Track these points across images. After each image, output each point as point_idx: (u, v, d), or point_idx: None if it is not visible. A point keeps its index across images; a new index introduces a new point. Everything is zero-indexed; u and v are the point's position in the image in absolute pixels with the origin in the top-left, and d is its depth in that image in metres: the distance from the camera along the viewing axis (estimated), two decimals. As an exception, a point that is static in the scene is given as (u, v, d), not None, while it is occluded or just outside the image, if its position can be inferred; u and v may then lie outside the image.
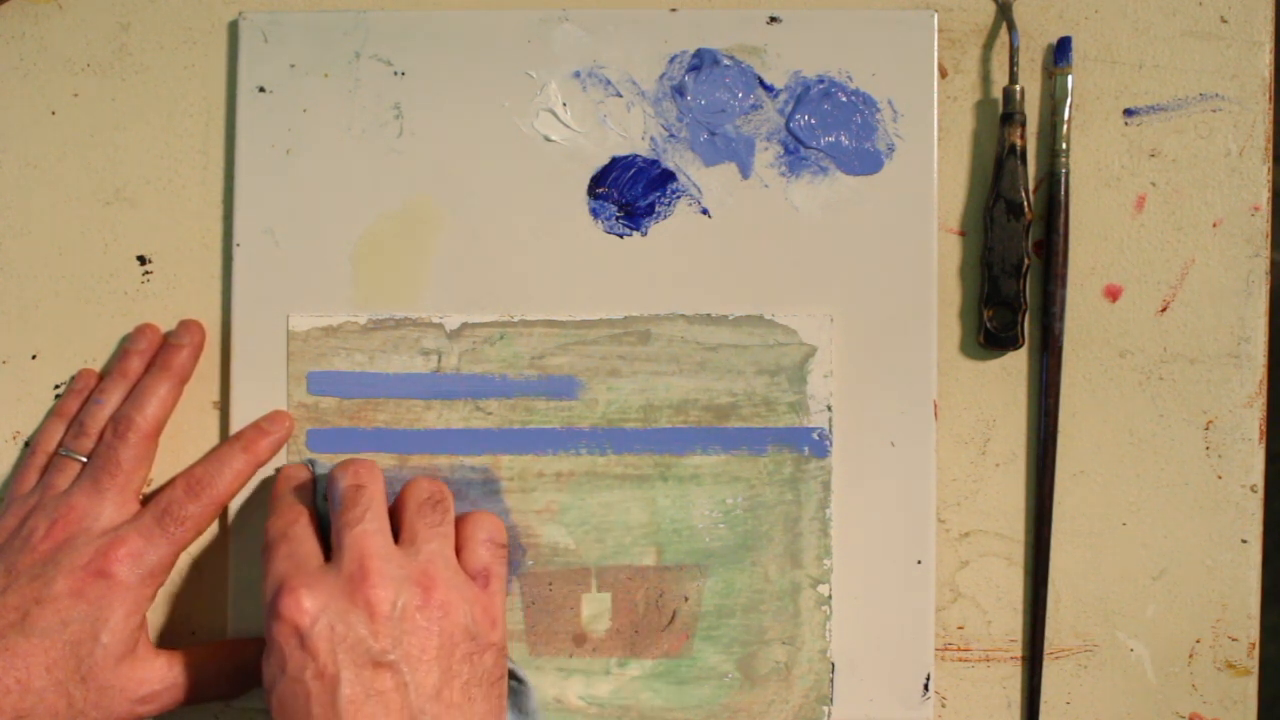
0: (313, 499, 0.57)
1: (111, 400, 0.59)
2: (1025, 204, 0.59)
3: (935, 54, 0.60)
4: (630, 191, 0.60)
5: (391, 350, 0.60)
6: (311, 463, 0.59)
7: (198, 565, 0.60)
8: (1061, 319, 0.60)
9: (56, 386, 0.61)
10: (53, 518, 0.56)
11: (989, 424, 0.60)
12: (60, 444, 0.59)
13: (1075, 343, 0.60)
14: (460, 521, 0.57)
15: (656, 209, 0.60)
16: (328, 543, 0.55)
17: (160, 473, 0.60)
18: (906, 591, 0.59)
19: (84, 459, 0.58)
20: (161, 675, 0.56)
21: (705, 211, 0.60)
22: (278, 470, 0.59)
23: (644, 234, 0.60)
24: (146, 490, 0.60)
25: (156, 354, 0.60)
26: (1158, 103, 0.60)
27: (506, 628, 0.57)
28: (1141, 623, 0.60)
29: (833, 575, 0.60)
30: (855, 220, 0.60)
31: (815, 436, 0.60)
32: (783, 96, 0.60)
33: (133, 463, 0.57)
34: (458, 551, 0.56)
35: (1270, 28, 0.60)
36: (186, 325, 0.60)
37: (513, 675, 0.58)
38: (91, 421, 0.59)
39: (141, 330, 0.60)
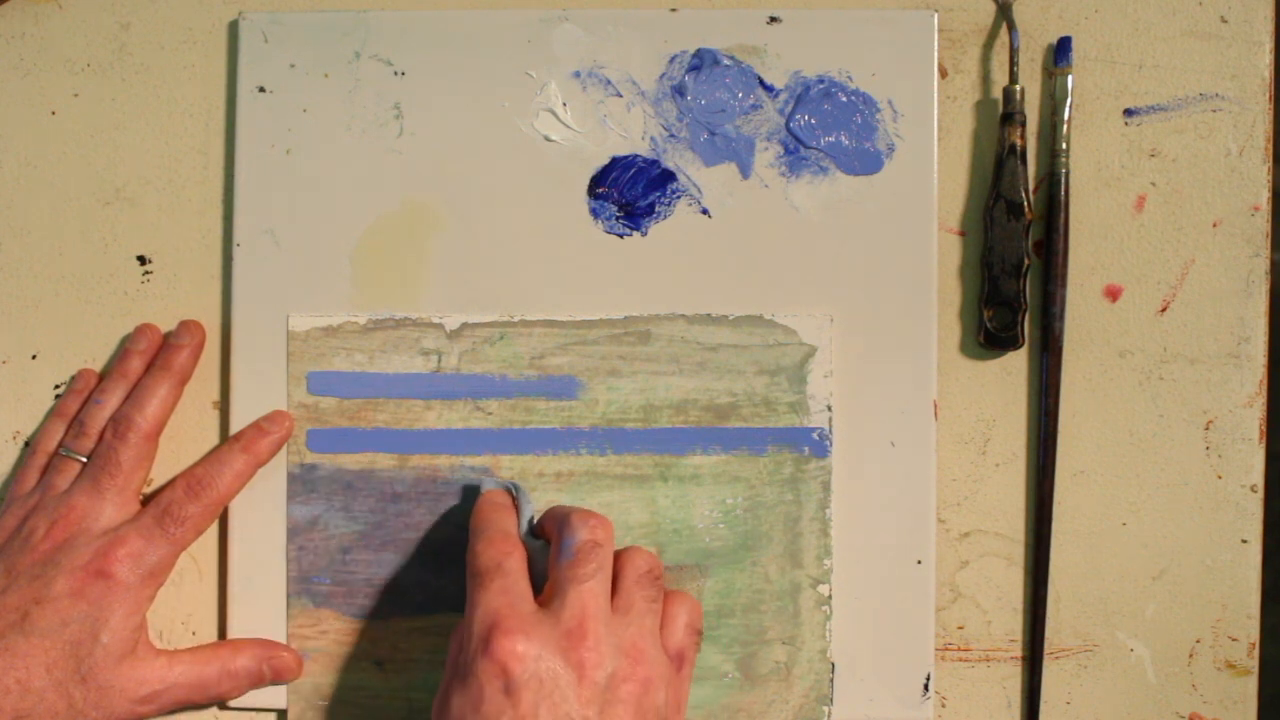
0: (519, 531, 0.56)
1: (111, 400, 0.59)
2: (1025, 204, 0.59)
3: (935, 54, 0.60)
4: (630, 191, 0.60)
5: (391, 350, 0.60)
6: (514, 487, 0.58)
7: (198, 565, 0.60)
8: (1061, 319, 0.60)
9: (56, 386, 0.61)
10: (53, 518, 0.56)
11: (989, 424, 0.60)
12: (60, 444, 0.59)
13: (1075, 343, 0.60)
14: (665, 598, 0.55)
15: (656, 209, 0.60)
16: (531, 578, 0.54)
17: (160, 473, 0.60)
18: (906, 591, 0.59)
19: (84, 459, 0.58)
20: (161, 675, 0.57)
21: (705, 211, 0.60)
22: (481, 492, 0.58)
23: (644, 234, 0.60)
24: (146, 490, 0.60)
25: (157, 354, 0.60)
26: (1158, 103, 0.60)
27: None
28: (1141, 623, 0.60)
29: (833, 575, 0.60)
30: (855, 220, 0.60)
31: (815, 436, 0.60)
32: (783, 96, 0.60)
33: (133, 463, 0.57)
34: (660, 628, 0.54)
35: (1270, 28, 0.60)
36: (187, 325, 0.60)
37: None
38: (91, 421, 0.59)
39: (142, 330, 0.60)
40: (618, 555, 0.55)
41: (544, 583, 0.54)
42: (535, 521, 0.56)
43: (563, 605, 0.51)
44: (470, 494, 0.60)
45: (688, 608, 0.55)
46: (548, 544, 0.55)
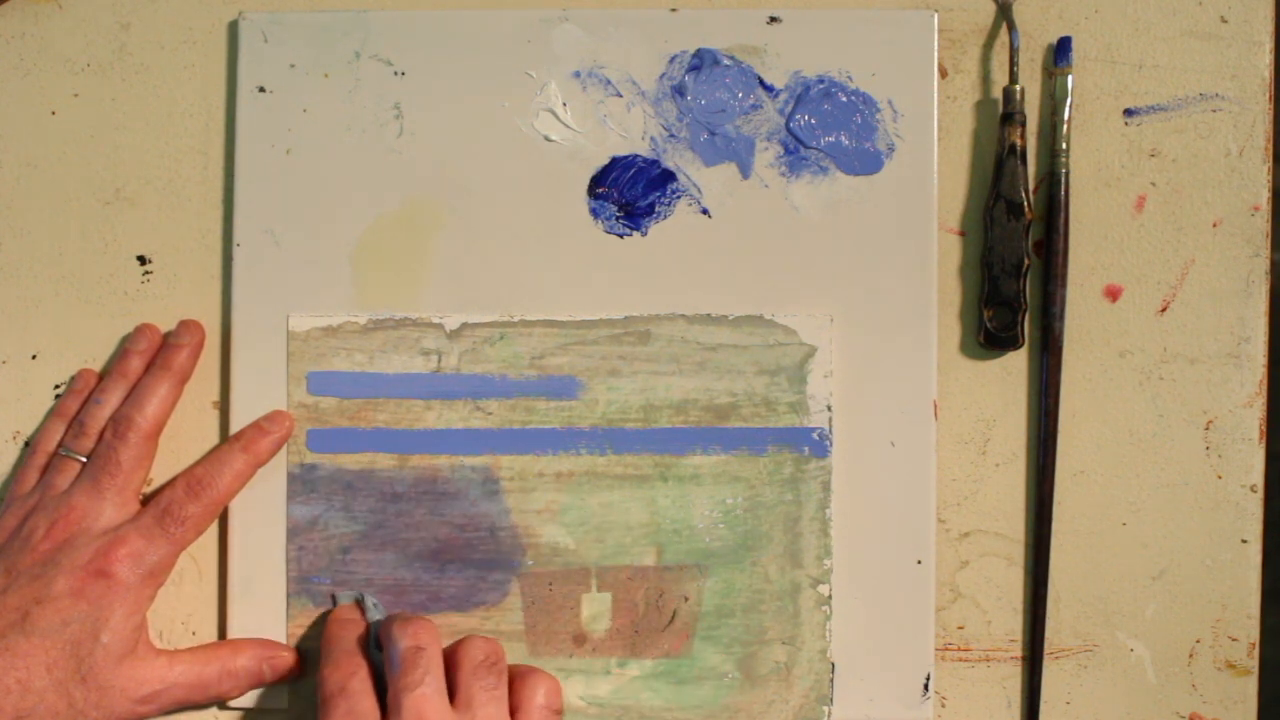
0: (366, 646, 0.57)
1: (111, 400, 0.59)
2: (1025, 204, 0.59)
3: (935, 54, 0.60)
4: (630, 191, 0.60)
5: (391, 350, 0.60)
6: (361, 599, 0.59)
7: (198, 565, 0.60)
8: (1061, 319, 0.60)
9: (56, 386, 0.61)
10: (53, 518, 0.56)
11: (989, 424, 0.60)
12: (60, 444, 0.59)
13: (1075, 343, 0.60)
14: (516, 681, 0.56)
15: (656, 209, 0.60)
16: (381, 691, 0.55)
17: (160, 473, 0.60)
18: (906, 591, 0.59)
19: (84, 459, 0.58)
20: (162, 675, 0.57)
21: (705, 211, 0.60)
22: (329, 612, 0.59)
23: (644, 234, 0.60)
24: (146, 490, 0.60)
25: (156, 354, 0.60)
26: (1158, 103, 0.60)
27: None
28: (1141, 623, 0.60)
29: (833, 575, 0.60)
30: (855, 220, 0.60)
31: (815, 436, 0.60)
32: (783, 96, 0.60)
33: (132, 463, 0.57)
34: (513, 712, 0.55)
35: (1270, 28, 0.60)
36: (186, 325, 0.60)
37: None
38: (91, 421, 0.59)
39: (141, 330, 0.60)
40: (454, 649, 0.56)
41: None
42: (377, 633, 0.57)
43: (399, 716, 0.52)
44: (470, 493, 0.60)
45: (544, 688, 0.56)
46: None
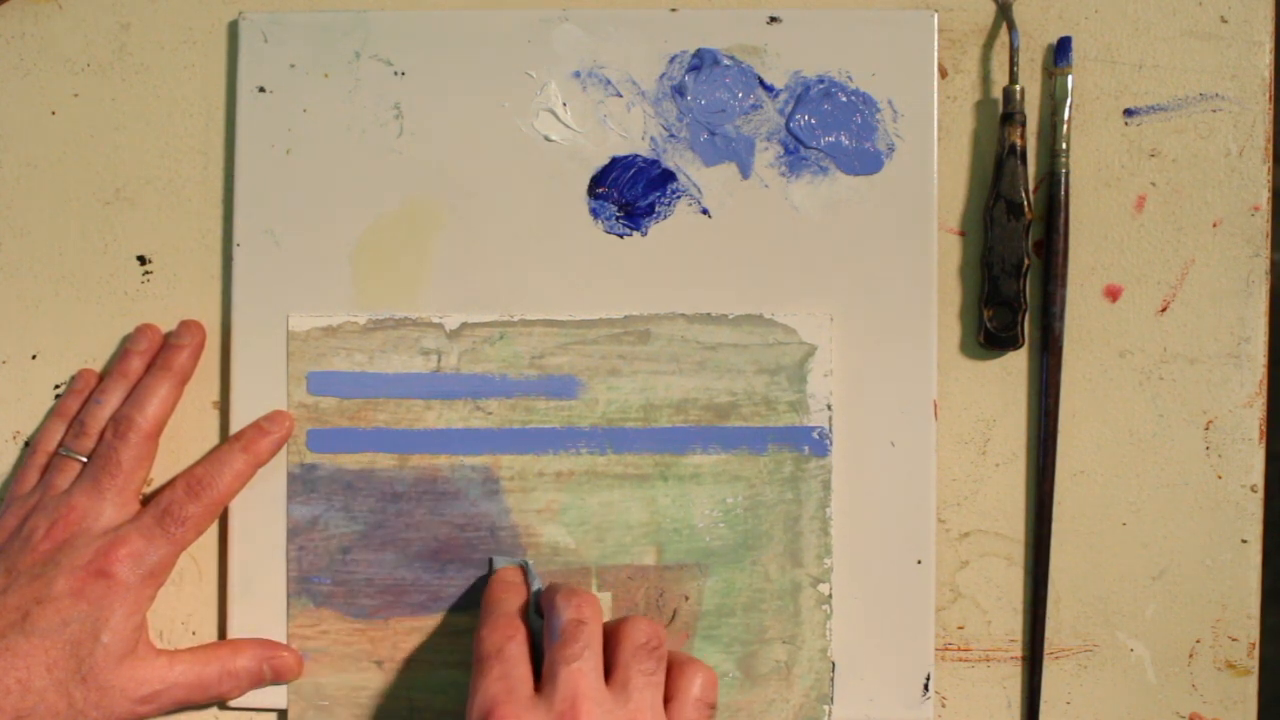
0: (526, 610, 0.56)
1: (112, 400, 0.59)
2: (1025, 204, 0.59)
3: (935, 54, 0.60)
4: (630, 191, 0.60)
5: (391, 350, 0.60)
6: (526, 564, 0.58)
7: (198, 565, 0.60)
8: (1061, 319, 0.60)
9: (56, 386, 0.61)
10: (53, 518, 0.56)
11: (989, 424, 0.60)
12: (60, 444, 0.59)
13: (1075, 343, 0.60)
14: (674, 669, 0.55)
15: (656, 209, 0.60)
16: (536, 659, 0.54)
17: (160, 473, 0.60)
18: (906, 591, 0.59)
19: (84, 459, 0.58)
20: (162, 675, 0.57)
21: (705, 211, 0.60)
22: (492, 572, 0.59)
23: (644, 234, 0.60)
24: (147, 490, 0.60)
25: (157, 354, 0.60)
26: (1158, 103, 0.60)
27: None
28: (1141, 623, 0.60)
29: (833, 575, 0.60)
30: (855, 220, 0.60)
31: (815, 436, 0.60)
32: (783, 96, 0.60)
33: (133, 463, 0.57)
34: (667, 702, 0.54)
35: (1270, 28, 0.60)
36: (187, 325, 0.60)
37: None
38: (92, 421, 0.59)
39: (142, 330, 0.60)
40: (616, 627, 0.54)
41: None
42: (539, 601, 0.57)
43: (554, 689, 0.51)
44: (470, 493, 0.60)
45: (701, 680, 0.54)
46: None
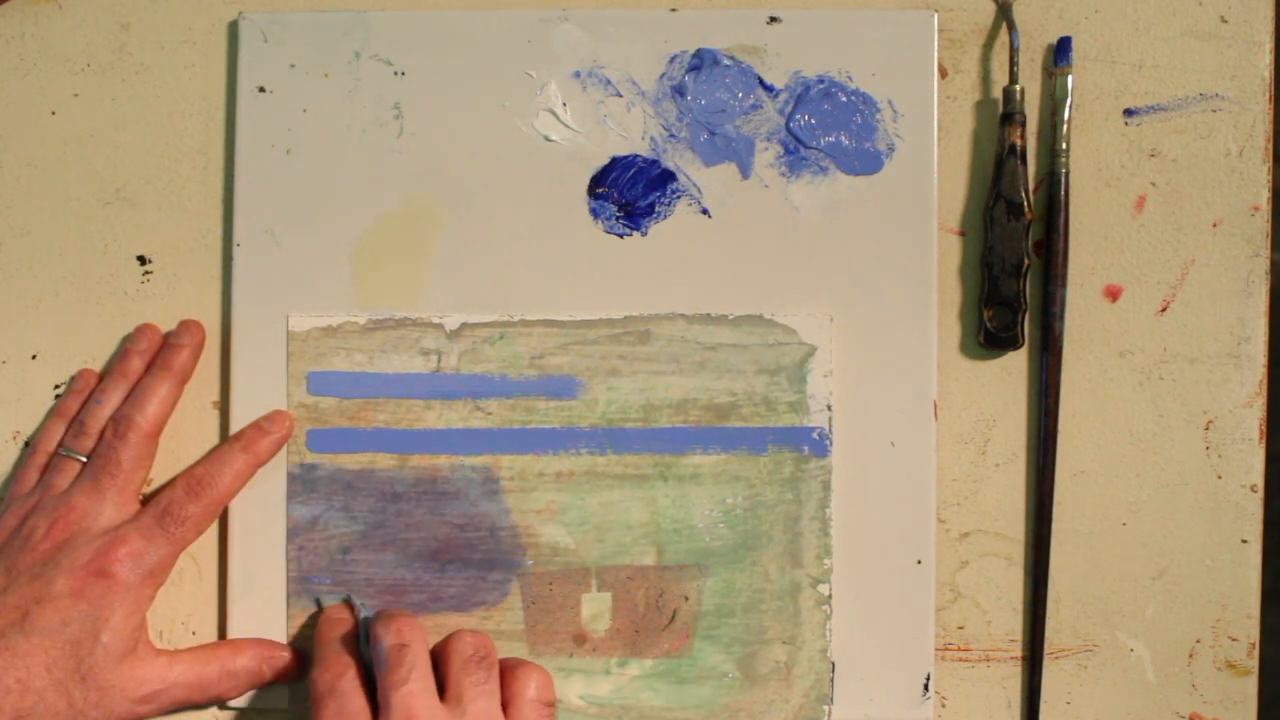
0: (357, 645, 0.57)
1: (112, 400, 0.59)
2: (1025, 204, 0.59)
3: (935, 54, 0.60)
4: (630, 191, 0.60)
5: (391, 350, 0.60)
6: (350, 599, 0.59)
7: (198, 565, 0.60)
8: (1061, 319, 0.60)
9: (56, 386, 0.61)
10: (53, 517, 0.56)
11: (989, 424, 0.60)
12: (60, 443, 0.59)
13: (1075, 343, 0.60)
14: (507, 675, 0.56)
15: (656, 209, 0.60)
16: (372, 690, 0.55)
17: (160, 473, 0.60)
18: (906, 591, 0.59)
19: (84, 459, 0.58)
20: (161, 675, 0.57)
21: (705, 211, 0.60)
22: (319, 611, 0.59)
23: (644, 234, 0.60)
24: (147, 490, 0.60)
25: (157, 354, 0.60)
26: (1158, 103, 0.60)
27: None
28: (1141, 623, 0.60)
29: (833, 575, 0.60)
30: (855, 220, 0.60)
31: (815, 436, 0.60)
32: (783, 96, 0.60)
33: (133, 463, 0.57)
34: (505, 706, 0.55)
35: (1270, 28, 0.60)
36: (187, 325, 0.60)
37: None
38: (92, 421, 0.59)
39: (142, 330, 0.60)
40: (443, 645, 0.56)
41: None
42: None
43: (389, 714, 0.52)
44: (470, 493, 0.59)
45: (535, 681, 0.55)
46: None
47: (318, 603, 0.59)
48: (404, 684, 0.53)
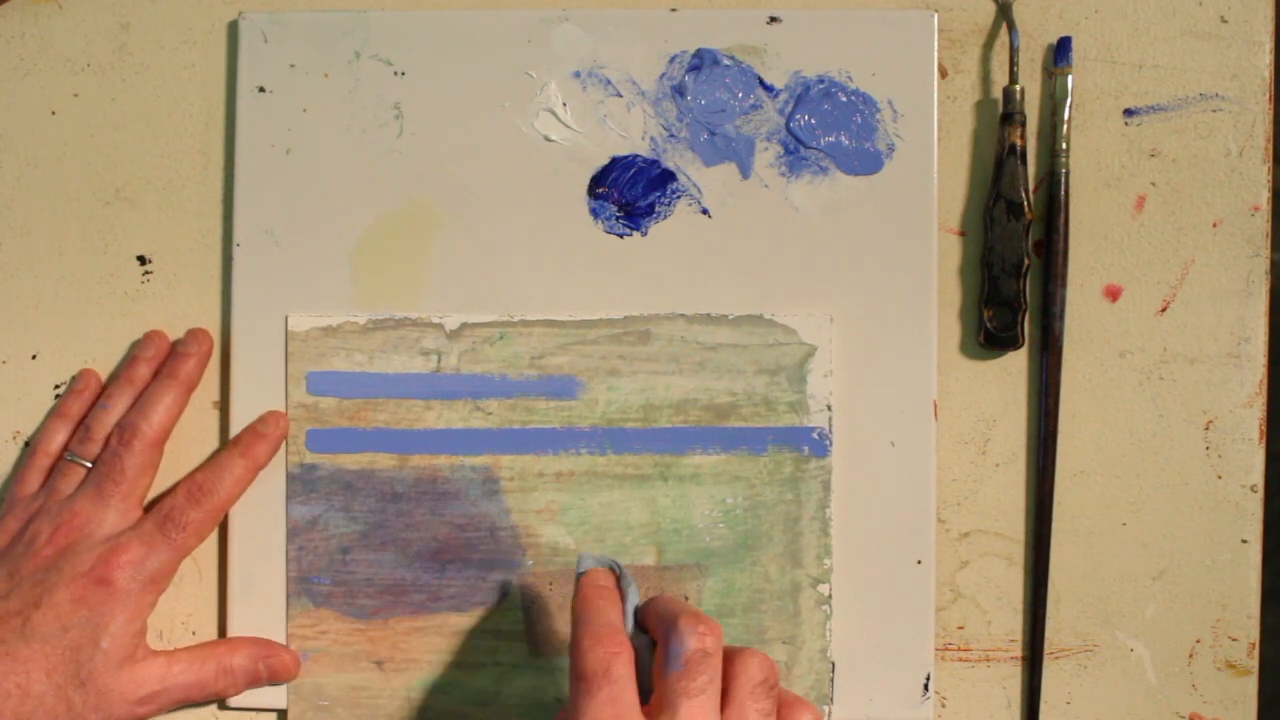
0: (624, 621, 0.52)
1: (118, 406, 0.59)
2: (1025, 204, 0.59)
3: (935, 54, 0.60)
4: (630, 191, 0.60)
5: (391, 350, 0.60)
6: (617, 566, 0.54)
7: (198, 565, 0.60)
8: (1061, 319, 0.60)
9: (56, 386, 0.61)
10: (55, 523, 0.56)
11: (989, 424, 0.60)
12: (66, 448, 0.59)
13: (1075, 343, 0.60)
14: (783, 708, 0.51)
15: (656, 209, 0.60)
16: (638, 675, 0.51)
17: (160, 472, 0.60)
18: (906, 591, 0.59)
19: (89, 464, 0.58)
20: (160, 676, 0.57)
21: (705, 211, 0.60)
22: (582, 573, 0.54)
23: (644, 234, 0.60)
24: (151, 496, 0.60)
25: (164, 362, 0.60)
26: (1158, 103, 0.60)
27: None
28: (1141, 623, 0.60)
29: (833, 575, 0.60)
30: (855, 220, 0.60)
31: (815, 436, 0.60)
32: (783, 96, 0.60)
33: (136, 470, 0.57)
34: None
35: (1270, 28, 0.60)
36: (194, 334, 0.60)
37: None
38: (98, 427, 0.59)
39: (150, 338, 0.60)
40: (730, 659, 0.51)
41: (648, 681, 0.51)
42: (639, 611, 0.53)
43: (674, 718, 0.49)
44: (470, 493, 0.59)
45: (809, 716, 0.51)
46: (653, 641, 0.52)
47: (579, 561, 0.54)
48: (699, 694, 0.49)
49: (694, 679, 0.49)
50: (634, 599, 0.53)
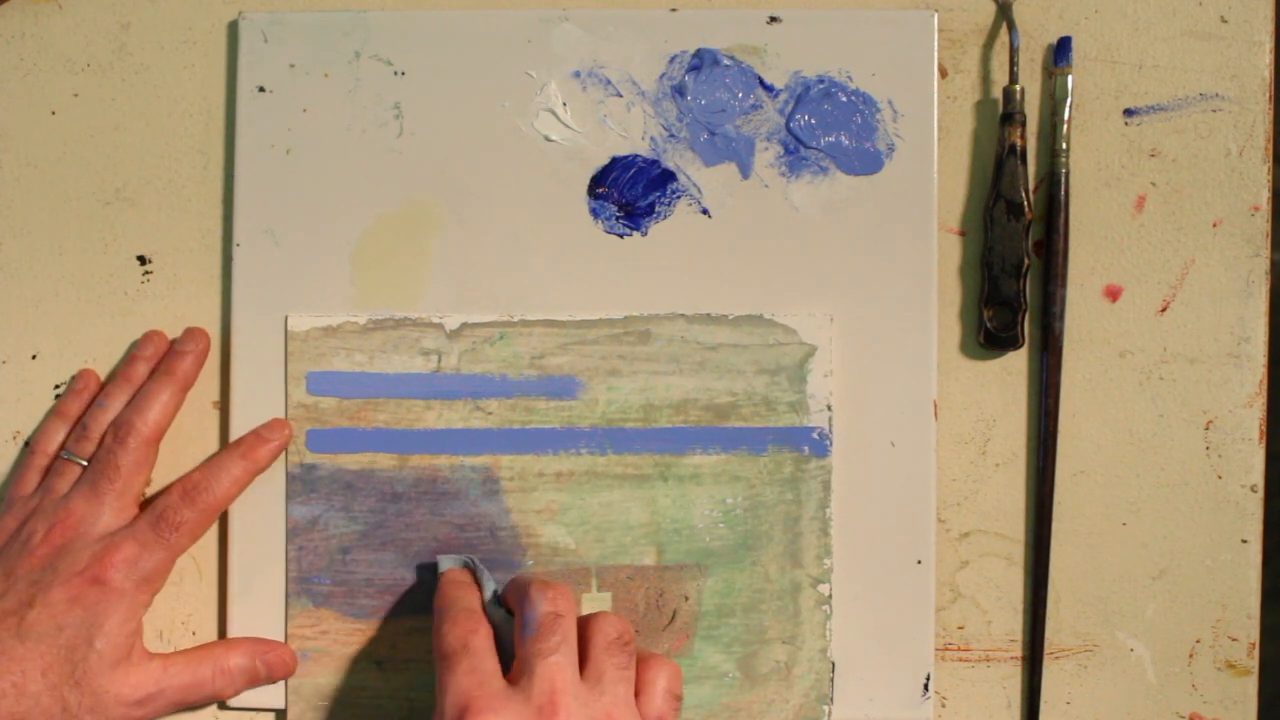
0: (484, 607, 0.56)
1: (114, 405, 0.59)
2: (1025, 204, 0.59)
3: (935, 54, 0.60)
4: (630, 191, 0.60)
5: (391, 350, 0.60)
6: (472, 563, 0.58)
7: (198, 565, 0.60)
8: (1061, 319, 0.60)
9: (56, 386, 0.61)
10: (51, 522, 0.56)
11: (989, 424, 0.60)
12: (62, 447, 0.59)
13: (1075, 343, 0.60)
14: (640, 663, 0.55)
15: (656, 209, 0.60)
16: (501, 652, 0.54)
17: (160, 472, 0.60)
18: (906, 591, 0.59)
19: (84, 463, 0.58)
20: (156, 679, 0.56)
21: (705, 211, 0.60)
22: (440, 571, 0.58)
23: (644, 234, 0.60)
24: (148, 494, 0.60)
25: (161, 360, 0.60)
26: (1158, 103, 0.60)
27: None
28: (1141, 623, 0.60)
29: (833, 575, 0.60)
30: (855, 220, 0.60)
31: (815, 436, 0.60)
32: (783, 96, 0.60)
33: (132, 468, 0.57)
34: (635, 694, 0.54)
35: (1270, 28, 0.60)
36: (191, 332, 0.60)
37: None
38: (94, 425, 0.59)
39: (149, 337, 0.60)
40: (585, 622, 0.54)
41: (513, 656, 0.53)
42: (500, 593, 0.56)
43: (531, 681, 0.51)
44: (470, 493, 0.60)
45: (667, 673, 0.54)
46: (512, 615, 0.55)
47: (436, 564, 0.58)
48: (553, 653, 0.52)
49: (546, 640, 0.52)
50: (490, 586, 0.56)
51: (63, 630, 0.55)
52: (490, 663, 0.53)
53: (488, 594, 0.56)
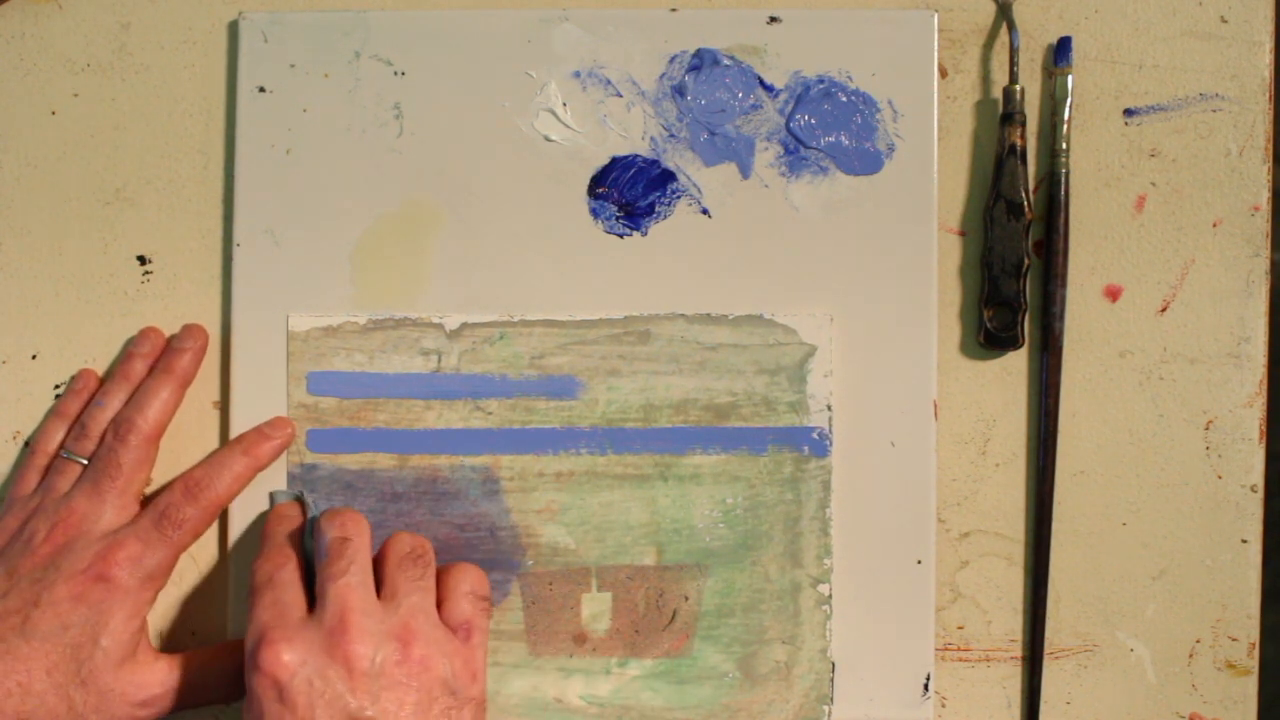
0: (301, 540, 0.57)
1: (113, 403, 0.59)
2: (1025, 204, 0.59)
3: (935, 54, 0.60)
4: (630, 191, 0.60)
5: (391, 350, 0.60)
6: (302, 496, 0.59)
7: (198, 565, 0.60)
8: (1061, 319, 0.60)
9: (56, 386, 0.61)
10: (53, 521, 0.56)
11: (989, 424, 0.60)
12: (62, 445, 0.59)
13: (1075, 343, 0.60)
14: (442, 573, 0.57)
15: (656, 209, 0.60)
16: (311, 584, 0.55)
17: (160, 472, 0.60)
18: (906, 591, 0.59)
19: (84, 461, 0.58)
20: (161, 679, 0.56)
21: (705, 211, 0.60)
22: (270, 508, 0.59)
23: (644, 234, 0.60)
24: (148, 492, 0.60)
25: (159, 357, 0.60)
26: (1158, 103, 0.60)
27: (486, 681, 0.57)
28: (1141, 623, 0.60)
29: (833, 575, 0.60)
30: (855, 220, 0.60)
31: (815, 436, 0.60)
32: (783, 96, 0.60)
33: (133, 465, 0.57)
34: (440, 604, 0.56)
35: (1270, 28, 0.60)
36: (189, 329, 0.60)
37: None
38: (93, 424, 0.59)
39: (145, 334, 0.60)
40: (382, 546, 0.57)
41: None
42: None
43: (324, 606, 0.53)
44: (470, 493, 0.60)
45: (470, 577, 0.56)
46: None
47: (270, 499, 0.59)
48: (342, 576, 0.53)
49: (335, 563, 0.54)
50: (312, 518, 0.58)
51: (68, 629, 0.55)
52: (292, 594, 0.54)
53: (309, 528, 0.57)
